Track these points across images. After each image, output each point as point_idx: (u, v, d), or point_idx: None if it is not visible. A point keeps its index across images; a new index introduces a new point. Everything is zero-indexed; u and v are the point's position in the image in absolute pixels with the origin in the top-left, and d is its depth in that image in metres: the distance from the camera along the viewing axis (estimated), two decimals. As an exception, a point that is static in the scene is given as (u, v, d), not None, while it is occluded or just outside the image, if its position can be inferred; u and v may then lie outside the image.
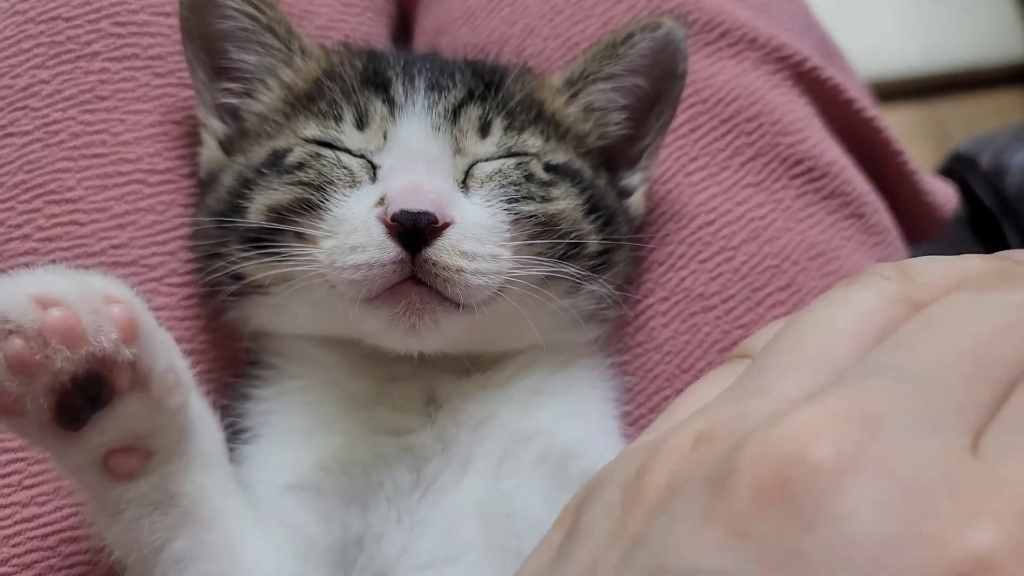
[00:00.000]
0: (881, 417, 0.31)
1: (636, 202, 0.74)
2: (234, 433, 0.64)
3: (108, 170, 0.71)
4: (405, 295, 0.59)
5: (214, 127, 0.71)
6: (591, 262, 0.66)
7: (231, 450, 0.62)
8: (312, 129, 0.66)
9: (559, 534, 0.39)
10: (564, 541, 0.38)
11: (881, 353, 0.35)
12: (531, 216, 0.63)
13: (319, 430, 0.64)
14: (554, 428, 0.65)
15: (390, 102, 0.65)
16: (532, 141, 0.67)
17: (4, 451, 0.64)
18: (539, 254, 0.63)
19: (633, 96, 0.72)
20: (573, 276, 0.64)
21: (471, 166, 0.64)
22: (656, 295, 0.77)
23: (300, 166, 0.63)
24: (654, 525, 0.33)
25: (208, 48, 0.70)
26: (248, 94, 0.70)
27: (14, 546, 0.62)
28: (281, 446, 0.64)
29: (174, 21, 0.72)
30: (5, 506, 0.62)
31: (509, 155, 0.66)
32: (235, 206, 0.64)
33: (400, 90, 0.66)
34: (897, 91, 2.10)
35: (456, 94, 0.66)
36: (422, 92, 0.65)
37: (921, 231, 0.94)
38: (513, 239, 0.62)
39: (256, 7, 0.68)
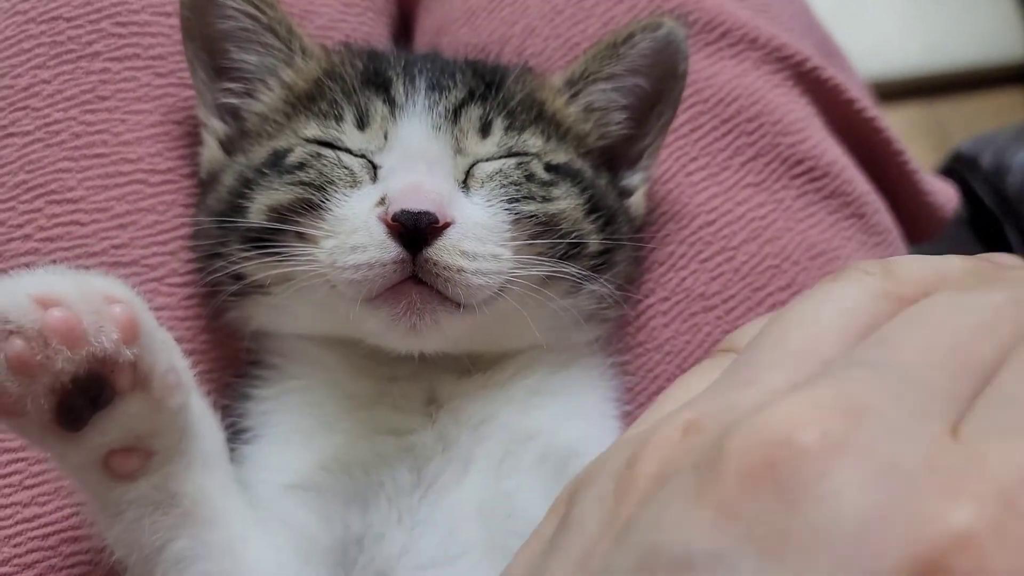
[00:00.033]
0: (866, 406, 0.32)
1: (637, 202, 0.74)
2: (235, 433, 0.64)
3: (109, 170, 0.71)
4: (406, 295, 0.59)
5: (215, 127, 0.71)
6: (592, 262, 0.66)
7: (232, 450, 0.62)
8: (313, 129, 0.66)
9: (551, 525, 0.40)
10: (557, 531, 0.39)
11: (865, 348, 0.36)
12: (532, 216, 0.63)
13: (320, 430, 0.64)
14: (555, 428, 0.65)
15: (391, 102, 0.65)
16: (533, 141, 0.67)
17: (5, 451, 0.64)
18: (540, 254, 0.63)
19: (634, 96, 0.72)
20: (574, 276, 0.64)
21: (472, 166, 0.64)
22: (657, 295, 0.77)
23: (301, 166, 0.63)
24: (646, 510, 0.34)
25: (209, 48, 0.70)
26: (249, 94, 0.70)
27: (15, 546, 0.62)
28: (282, 446, 0.64)
29: (175, 21, 0.72)
30: (6, 506, 0.62)
31: (510, 155, 0.66)
32: (236, 206, 0.64)
33: (401, 90, 0.66)
34: (898, 91, 2.11)
35: (457, 94, 0.66)
36: (423, 92, 0.65)
37: (922, 231, 0.94)
38: (514, 239, 0.62)
39: (257, 7, 0.68)
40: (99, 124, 0.72)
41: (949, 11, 2.21)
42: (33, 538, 0.62)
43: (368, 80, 0.67)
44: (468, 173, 0.64)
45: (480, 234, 0.60)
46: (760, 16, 0.87)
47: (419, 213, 0.57)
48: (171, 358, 0.52)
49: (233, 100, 0.71)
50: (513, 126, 0.67)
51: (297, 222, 0.61)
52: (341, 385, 0.66)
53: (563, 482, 0.61)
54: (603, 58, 0.71)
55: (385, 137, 0.64)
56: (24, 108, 0.71)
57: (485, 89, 0.67)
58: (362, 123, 0.65)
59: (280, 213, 0.62)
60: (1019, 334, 0.35)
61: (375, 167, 0.63)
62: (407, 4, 0.94)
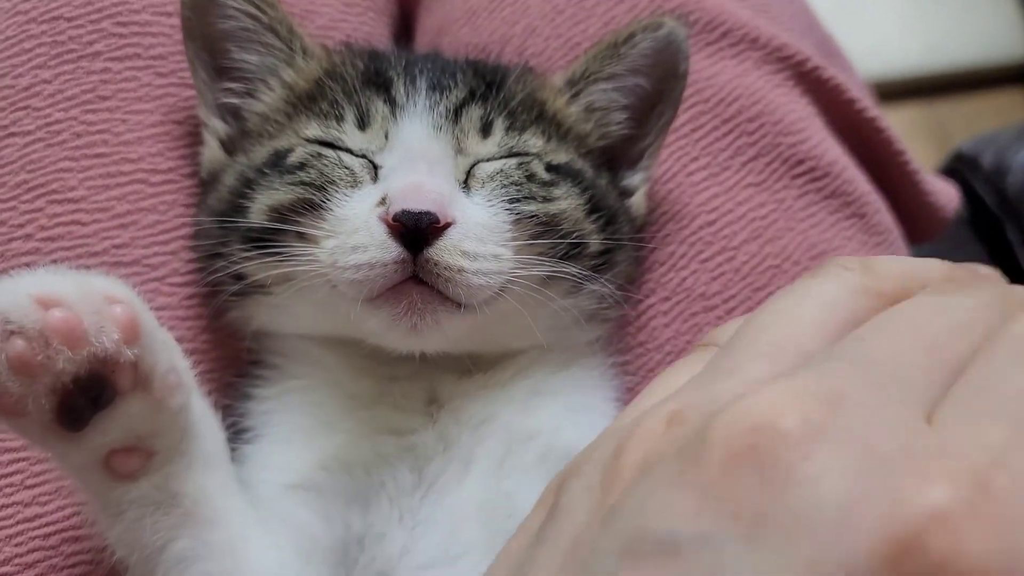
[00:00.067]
0: (845, 395, 0.33)
1: (637, 202, 0.74)
2: (236, 433, 0.64)
3: (110, 170, 0.71)
4: (406, 295, 0.59)
5: (216, 127, 0.71)
6: (592, 262, 0.66)
7: (233, 450, 0.62)
8: (314, 129, 0.66)
9: (538, 518, 0.41)
10: (545, 521, 0.39)
11: (845, 343, 0.38)
12: (532, 216, 0.63)
13: (321, 430, 0.64)
14: (556, 428, 0.65)
15: (391, 102, 0.65)
16: (533, 141, 0.67)
17: (6, 451, 0.64)
18: (540, 254, 0.63)
19: (635, 96, 0.72)
20: (574, 276, 0.64)
21: (472, 166, 0.64)
22: (657, 295, 0.77)
23: (302, 166, 0.63)
24: (631, 497, 0.35)
25: (210, 48, 0.70)
26: (250, 94, 0.70)
27: (16, 545, 0.62)
28: (283, 446, 0.64)
29: (176, 21, 0.72)
30: (7, 505, 0.63)
31: (510, 155, 0.66)
32: (237, 206, 0.64)
33: (402, 90, 0.66)
34: (898, 91, 2.11)
35: (457, 94, 0.66)
36: (423, 92, 0.65)
37: (923, 231, 0.94)
38: (514, 239, 0.62)
39: (258, 7, 0.68)
40: (100, 124, 0.72)
41: (949, 11, 2.21)
42: (34, 538, 0.62)
43: (369, 80, 0.67)
44: (469, 173, 0.64)
45: (481, 234, 0.60)
46: (761, 16, 0.87)
47: (420, 213, 0.57)
48: (172, 358, 0.52)
49: (234, 100, 0.71)
50: (514, 126, 0.67)
51: (298, 222, 0.61)
52: (342, 385, 0.66)
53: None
54: (604, 58, 0.71)
55: (386, 137, 0.64)
56: (25, 108, 0.71)
57: (486, 89, 0.67)
58: (363, 123, 0.65)
59: (281, 213, 0.62)
60: (990, 334, 0.37)
61: (376, 167, 0.63)
62: (408, 4, 0.94)
